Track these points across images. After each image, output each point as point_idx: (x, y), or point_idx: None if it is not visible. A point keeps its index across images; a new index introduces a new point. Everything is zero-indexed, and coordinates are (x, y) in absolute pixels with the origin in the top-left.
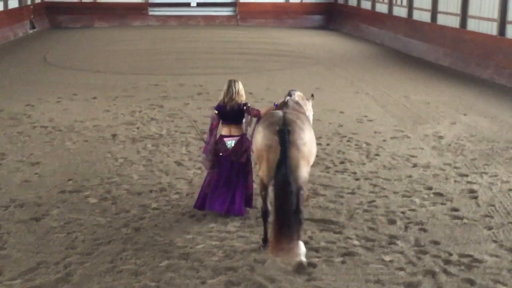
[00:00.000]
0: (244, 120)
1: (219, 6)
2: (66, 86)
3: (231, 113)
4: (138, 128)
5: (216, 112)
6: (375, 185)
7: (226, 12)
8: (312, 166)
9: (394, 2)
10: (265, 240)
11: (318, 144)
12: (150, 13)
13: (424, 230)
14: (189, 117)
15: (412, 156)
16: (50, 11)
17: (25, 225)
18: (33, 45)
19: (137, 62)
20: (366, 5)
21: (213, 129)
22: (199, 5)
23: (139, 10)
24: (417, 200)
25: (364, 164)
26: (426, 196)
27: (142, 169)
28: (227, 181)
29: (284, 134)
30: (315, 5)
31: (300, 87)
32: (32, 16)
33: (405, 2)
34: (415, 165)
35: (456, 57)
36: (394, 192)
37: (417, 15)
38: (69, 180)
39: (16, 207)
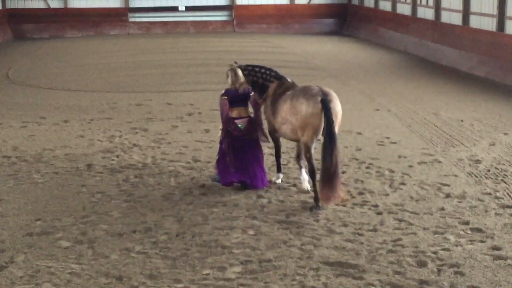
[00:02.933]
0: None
1: (212, 10)
2: (32, 107)
3: (241, 96)
4: (118, 156)
5: (226, 98)
6: (400, 220)
7: (220, 17)
8: None
9: (418, 2)
10: (316, 199)
11: None
12: (131, 19)
13: (461, 274)
14: (178, 142)
15: (444, 185)
16: (13, 19)
17: None
18: None
19: (116, 78)
20: (386, 6)
21: (227, 114)
22: (188, 9)
23: (118, 17)
24: (452, 238)
25: (387, 195)
26: (462, 232)
27: (123, 206)
28: (244, 159)
29: (327, 103)
30: (325, 7)
31: None
32: None
33: (431, 2)
34: (448, 196)
35: (494, 65)
36: (424, 228)
37: (446, 17)
38: (37, 220)
39: None
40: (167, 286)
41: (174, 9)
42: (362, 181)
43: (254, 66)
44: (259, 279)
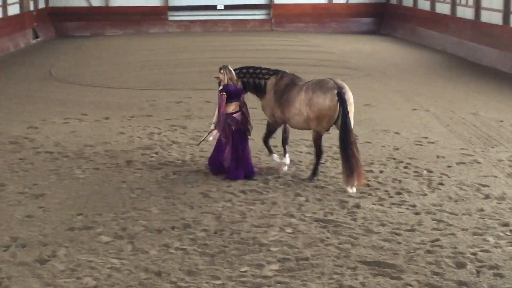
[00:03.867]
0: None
1: (250, 8)
2: (74, 104)
3: (238, 91)
4: (157, 153)
5: (225, 93)
6: (439, 221)
7: (258, 15)
8: (363, 197)
9: (458, 1)
10: (315, 173)
11: (370, 171)
12: (170, 18)
13: (500, 276)
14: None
15: (484, 186)
16: (56, 17)
17: (28, 268)
18: (36, 58)
19: (156, 75)
20: (425, 5)
21: (223, 109)
22: (227, 8)
23: (158, 15)
24: (491, 239)
25: (425, 195)
26: (501, 234)
27: (162, 202)
28: (241, 151)
29: (342, 96)
30: (363, 6)
31: None
32: (35, 24)
33: (471, 2)
34: (487, 196)
35: None
36: (463, 229)
37: (486, 17)
38: (78, 214)
39: (17, 247)
40: (205, 283)
41: (213, 7)
42: (399, 181)
43: (241, 68)
44: (296, 277)
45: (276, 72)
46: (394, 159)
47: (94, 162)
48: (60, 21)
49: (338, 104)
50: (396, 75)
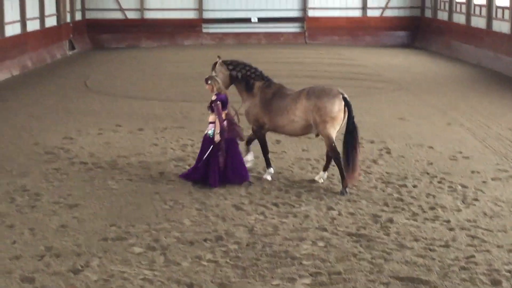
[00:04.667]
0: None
1: (284, 21)
2: (109, 115)
3: (227, 100)
4: (190, 165)
5: (220, 103)
6: (473, 237)
7: (292, 28)
8: (396, 212)
9: (493, 15)
10: (343, 178)
11: (403, 185)
12: (204, 30)
13: None
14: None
15: None
16: (92, 29)
17: (62, 278)
18: (72, 69)
19: (190, 87)
20: (460, 19)
21: (222, 117)
22: (260, 20)
23: (192, 27)
24: None
25: (459, 210)
26: None
27: (194, 214)
28: (237, 157)
29: (348, 100)
30: (397, 20)
31: (380, 116)
32: (71, 36)
33: (507, 15)
34: None
35: None
36: (498, 246)
37: None
38: (112, 225)
39: (52, 257)
40: None
41: (247, 20)
42: (433, 196)
43: (238, 63)
44: None
45: (264, 77)
46: (428, 173)
47: (127, 173)
48: (96, 33)
49: (345, 108)
50: (431, 89)
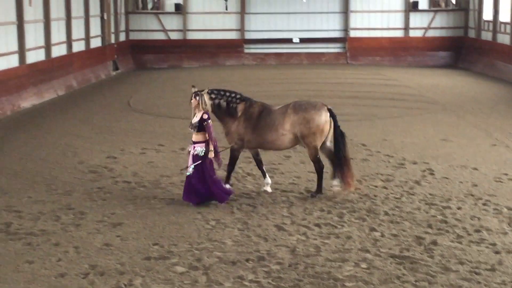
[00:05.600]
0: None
1: (325, 42)
2: (151, 135)
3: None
4: (232, 185)
5: (210, 121)
6: None
7: (333, 49)
8: (440, 234)
9: None
10: (319, 189)
11: (447, 207)
12: (246, 50)
13: None
14: (291, 172)
15: None
16: (135, 50)
17: None
18: (116, 89)
19: None
20: (504, 39)
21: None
22: (302, 41)
23: (234, 48)
24: None
25: (505, 233)
26: None
27: (236, 234)
28: (210, 177)
29: (332, 111)
30: (440, 40)
31: (423, 137)
32: (115, 56)
33: None
34: None
35: None
36: None
37: None
38: (155, 244)
39: (96, 275)
40: None
41: (289, 41)
42: (478, 218)
43: (219, 90)
44: None
45: (245, 99)
46: (472, 195)
47: (170, 192)
48: (139, 53)
49: (331, 119)
50: (474, 110)
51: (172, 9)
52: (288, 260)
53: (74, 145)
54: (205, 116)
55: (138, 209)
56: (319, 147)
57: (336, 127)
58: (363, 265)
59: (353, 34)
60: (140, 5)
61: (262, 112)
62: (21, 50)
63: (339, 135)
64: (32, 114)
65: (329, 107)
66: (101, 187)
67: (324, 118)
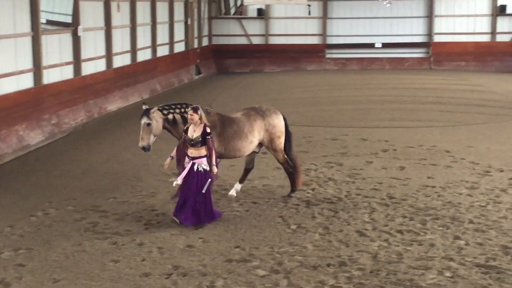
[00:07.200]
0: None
1: (408, 47)
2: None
3: None
4: (313, 189)
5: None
6: None
7: (416, 54)
8: None
9: None
10: (294, 188)
11: None
12: (328, 55)
13: None
14: (373, 178)
15: None
16: (217, 54)
17: None
18: (198, 93)
19: (313, 112)
20: None
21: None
22: (384, 46)
23: (316, 53)
24: None
25: None
26: None
27: (317, 238)
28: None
29: (284, 118)
30: None
31: (510, 144)
32: (198, 61)
33: None
34: None
35: None
36: None
37: None
38: (236, 247)
39: (179, 275)
40: None
41: (370, 45)
42: None
43: (169, 105)
44: None
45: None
46: None
47: (252, 196)
48: (222, 58)
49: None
50: None
51: (255, 14)
52: (370, 266)
53: (158, 148)
54: (208, 130)
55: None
56: (283, 148)
57: (288, 129)
58: (447, 274)
59: (437, 38)
60: (223, 10)
61: (224, 120)
62: (108, 55)
63: (290, 136)
64: (118, 116)
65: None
66: None
67: (282, 122)
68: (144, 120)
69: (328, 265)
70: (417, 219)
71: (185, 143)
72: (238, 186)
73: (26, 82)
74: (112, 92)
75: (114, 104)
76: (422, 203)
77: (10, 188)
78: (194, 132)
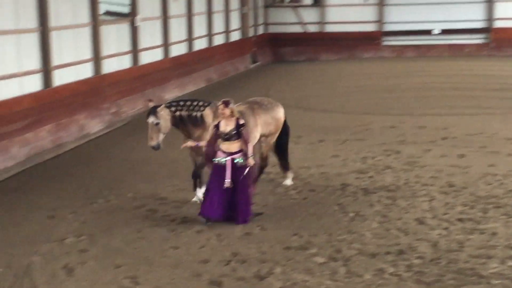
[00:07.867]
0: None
1: (467, 33)
2: (291, 127)
3: None
4: (371, 177)
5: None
6: None
7: (476, 40)
8: None
9: None
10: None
11: None
12: (384, 43)
13: None
14: (432, 166)
15: None
16: (273, 43)
17: (247, 283)
18: (254, 81)
19: (370, 100)
20: None
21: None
22: (442, 32)
23: (372, 40)
24: None
25: None
26: None
27: (376, 226)
28: None
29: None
30: None
31: None
32: (254, 49)
33: None
34: None
35: None
36: None
37: None
38: (294, 235)
39: (237, 262)
40: None
41: (428, 32)
42: None
43: (177, 102)
44: None
45: (209, 103)
46: None
47: (309, 184)
48: (277, 46)
49: None
50: None
51: (310, 2)
52: (430, 254)
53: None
54: (242, 121)
55: (278, 201)
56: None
57: (286, 123)
58: (510, 263)
59: (498, 24)
60: None
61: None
62: (165, 44)
63: (288, 130)
64: None
65: None
66: None
67: (283, 116)
68: (152, 120)
69: (387, 253)
70: (478, 208)
71: (217, 139)
72: (290, 175)
73: (86, 72)
74: (169, 81)
75: (171, 93)
76: (483, 191)
77: (72, 175)
78: (227, 126)
